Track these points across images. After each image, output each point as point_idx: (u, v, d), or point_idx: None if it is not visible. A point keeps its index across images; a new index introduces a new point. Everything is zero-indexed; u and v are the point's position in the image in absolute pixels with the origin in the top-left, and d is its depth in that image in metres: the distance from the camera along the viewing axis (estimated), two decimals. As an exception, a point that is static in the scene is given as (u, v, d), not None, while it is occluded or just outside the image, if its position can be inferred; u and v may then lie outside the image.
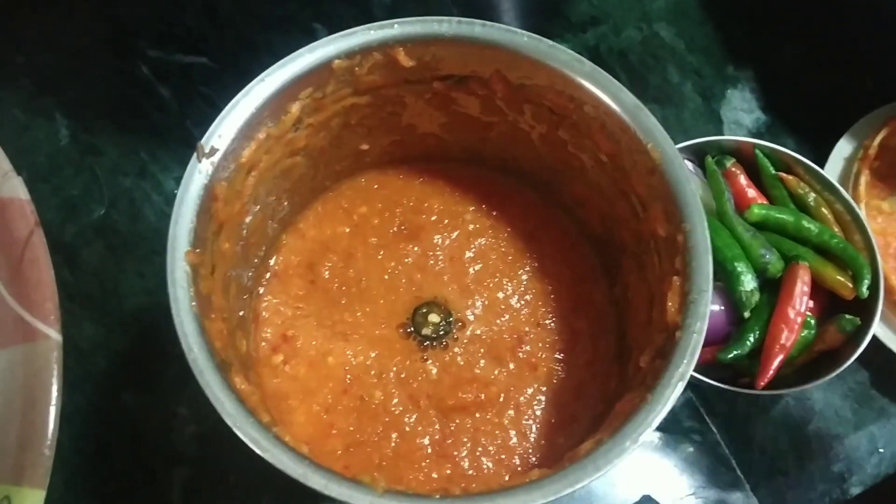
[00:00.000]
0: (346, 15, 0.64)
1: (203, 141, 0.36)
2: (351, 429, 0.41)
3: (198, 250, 0.35)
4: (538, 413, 0.42)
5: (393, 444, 0.41)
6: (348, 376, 0.42)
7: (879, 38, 0.64)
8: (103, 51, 0.63)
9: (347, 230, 0.46)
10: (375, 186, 0.48)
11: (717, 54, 0.65)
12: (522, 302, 0.45)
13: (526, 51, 0.39)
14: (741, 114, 0.63)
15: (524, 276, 0.46)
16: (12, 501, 0.41)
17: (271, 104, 0.38)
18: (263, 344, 0.43)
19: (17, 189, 0.47)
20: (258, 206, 0.41)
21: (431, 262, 0.46)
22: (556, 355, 0.44)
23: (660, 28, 0.65)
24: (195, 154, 0.36)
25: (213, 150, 0.36)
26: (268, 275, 0.44)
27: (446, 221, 0.47)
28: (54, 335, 0.44)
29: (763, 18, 0.66)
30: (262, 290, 0.44)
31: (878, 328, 0.54)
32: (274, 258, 0.45)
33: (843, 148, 0.60)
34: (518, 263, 0.46)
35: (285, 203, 0.44)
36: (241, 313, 0.41)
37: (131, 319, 0.57)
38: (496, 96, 0.41)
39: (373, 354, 0.43)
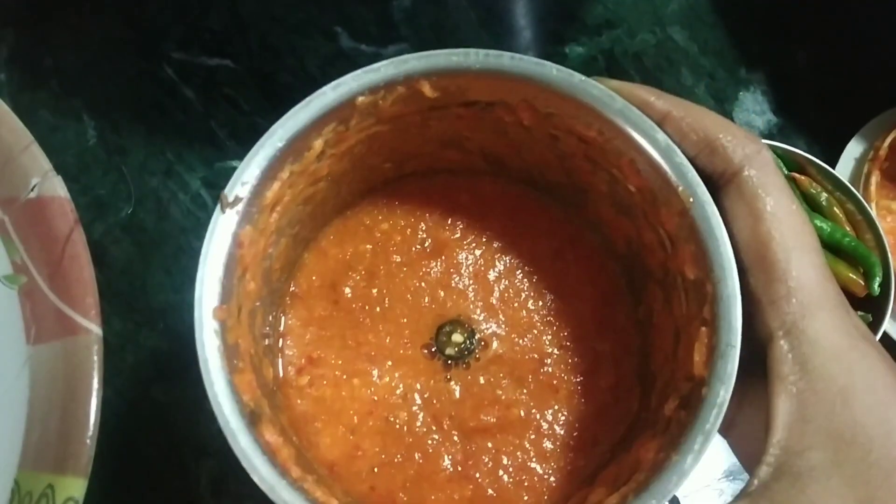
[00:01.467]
0: (366, 18, 0.65)
1: (227, 191, 0.35)
2: (376, 450, 0.41)
3: (225, 305, 0.35)
4: (559, 435, 0.42)
5: (416, 466, 0.41)
6: (374, 397, 0.42)
7: (889, 42, 0.65)
8: (129, 54, 0.64)
9: (369, 247, 0.46)
10: (397, 202, 0.47)
11: (730, 57, 0.66)
12: (546, 322, 0.44)
13: (556, 85, 0.37)
14: (753, 116, 0.65)
15: (549, 296, 0.45)
16: (55, 490, 0.42)
17: (294, 144, 0.37)
18: (289, 367, 0.43)
19: (57, 188, 0.48)
20: (282, 237, 0.41)
21: (455, 279, 0.45)
22: (577, 378, 0.43)
23: (673, 31, 0.66)
24: (218, 205, 0.35)
25: (238, 200, 0.35)
26: (290, 297, 0.44)
27: (471, 238, 0.46)
28: (95, 329, 0.45)
29: (775, 22, 0.67)
30: (285, 313, 0.44)
31: (888, 325, 0.55)
32: (296, 279, 0.45)
33: (853, 149, 0.61)
34: (543, 283, 0.45)
35: (308, 226, 0.44)
36: (266, 341, 0.41)
37: (158, 316, 0.58)
38: (522, 122, 0.41)
39: (397, 374, 0.43)
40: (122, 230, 0.60)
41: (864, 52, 0.66)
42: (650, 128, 0.36)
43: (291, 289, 0.44)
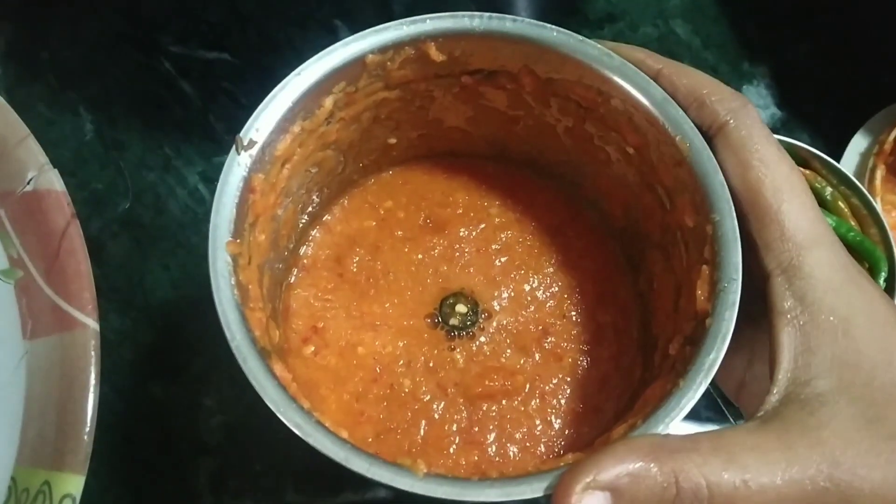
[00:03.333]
0: (365, 11, 0.65)
1: (242, 134, 0.36)
2: (381, 416, 0.42)
3: (238, 240, 0.36)
4: (563, 402, 0.43)
5: (422, 432, 0.42)
6: (378, 366, 0.43)
7: (894, 35, 0.65)
8: (126, 47, 0.64)
9: (374, 224, 0.47)
10: (401, 181, 0.48)
11: (733, 51, 0.66)
12: (548, 294, 0.46)
13: (555, 45, 0.39)
14: (757, 109, 0.64)
15: (550, 269, 0.46)
16: (52, 487, 0.41)
17: (306, 98, 0.38)
18: (294, 335, 0.44)
19: (54, 181, 0.47)
20: (290, 199, 0.42)
21: (457, 254, 0.46)
22: (581, 347, 0.44)
23: (676, 25, 0.66)
24: (234, 146, 0.36)
25: (252, 143, 0.37)
26: (297, 268, 0.45)
27: (472, 215, 0.47)
28: (92, 324, 0.45)
29: (778, 16, 0.67)
30: (292, 283, 0.45)
31: (893, 320, 0.55)
32: (303, 251, 0.46)
33: (858, 143, 0.61)
34: (544, 257, 0.47)
35: (314, 196, 0.45)
36: (272, 305, 0.42)
37: (157, 312, 0.58)
38: (524, 90, 0.42)
39: (401, 344, 0.44)
40: (120, 225, 0.59)
41: (869, 45, 0.65)
42: (646, 82, 0.38)
43: (299, 261, 0.46)
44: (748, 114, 0.36)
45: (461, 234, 0.47)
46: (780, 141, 0.57)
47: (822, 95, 0.64)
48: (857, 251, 0.55)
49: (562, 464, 0.32)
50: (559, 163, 0.46)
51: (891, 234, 0.55)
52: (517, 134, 0.46)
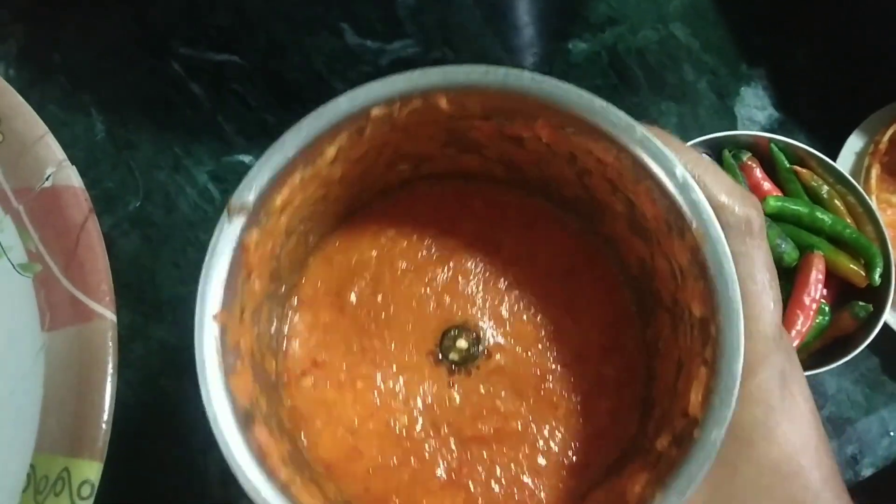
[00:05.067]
0: (371, 15, 0.66)
1: (234, 198, 0.34)
2: (374, 452, 0.41)
3: (226, 309, 0.35)
4: (554, 452, 0.42)
5: (411, 470, 0.41)
6: (377, 401, 0.42)
7: (889, 38, 0.66)
8: (137, 50, 0.65)
9: (374, 254, 0.45)
10: (406, 207, 0.46)
11: (732, 54, 0.67)
12: (552, 338, 0.44)
13: (577, 109, 0.37)
14: (755, 111, 0.65)
15: (557, 313, 0.44)
16: (71, 473, 0.42)
17: (305, 152, 0.36)
18: (294, 366, 0.43)
19: (72, 177, 0.48)
20: (292, 236, 0.40)
21: (462, 286, 0.45)
22: (578, 397, 0.43)
23: (675, 28, 0.67)
24: (225, 211, 0.34)
25: (245, 206, 0.35)
26: (295, 300, 0.44)
27: (480, 246, 0.45)
28: (109, 315, 0.46)
29: (775, 19, 0.68)
30: (291, 316, 0.44)
31: (889, 316, 0.56)
32: (302, 284, 0.44)
33: (853, 143, 0.62)
34: (553, 298, 0.44)
35: (319, 227, 0.43)
36: (272, 330, 0.41)
37: (167, 308, 0.59)
38: (540, 140, 0.40)
39: (402, 379, 0.43)
40: (131, 223, 0.60)
41: (864, 47, 0.67)
42: (669, 161, 0.36)
43: (298, 292, 0.44)
44: (750, 230, 0.36)
45: (468, 266, 0.45)
46: (776, 140, 0.59)
47: (819, 97, 0.66)
48: (852, 248, 0.56)
49: None
50: (578, 199, 0.44)
51: (886, 231, 0.56)
52: (536, 170, 0.44)
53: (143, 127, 0.63)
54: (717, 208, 0.35)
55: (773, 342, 0.35)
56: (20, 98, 0.51)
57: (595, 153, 0.38)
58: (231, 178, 0.62)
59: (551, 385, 0.42)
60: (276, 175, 0.36)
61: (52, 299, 0.48)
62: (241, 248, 0.35)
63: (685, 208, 0.35)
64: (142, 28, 0.66)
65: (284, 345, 0.43)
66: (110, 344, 0.45)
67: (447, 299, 0.44)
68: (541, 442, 0.42)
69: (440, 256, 0.45)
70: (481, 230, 0.45)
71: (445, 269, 0.44)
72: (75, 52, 0.65)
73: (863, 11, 0.67)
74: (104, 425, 0.44)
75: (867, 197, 0.58)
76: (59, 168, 0.49)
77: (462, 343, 0.43)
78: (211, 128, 0.63)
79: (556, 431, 0.42)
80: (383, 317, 0.43)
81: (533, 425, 0.42)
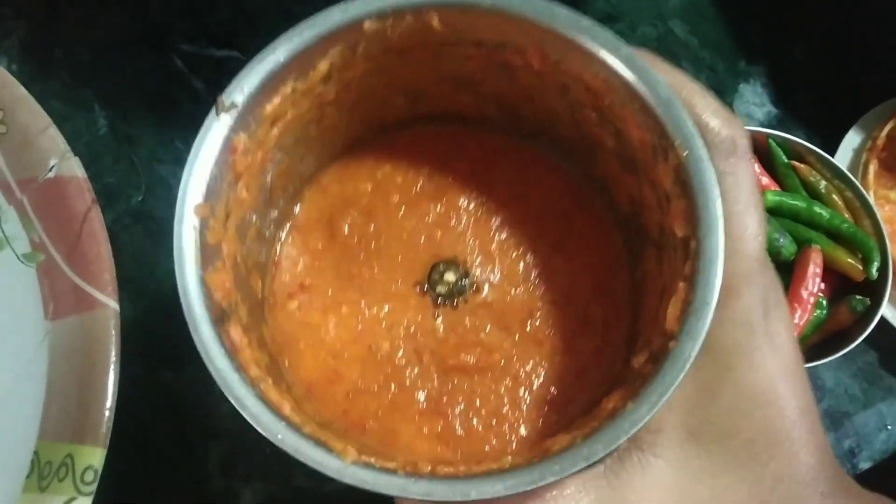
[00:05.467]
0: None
1: (224, 95, 0.35)
2: (354, 376, 0.41)
3: (208, 203, 0.34)
4: (535, 387, 0.42)
5: (391, 396, 0.41)
6: (360, 326, 0.42)
7: (886, 34, 0.67)
8: (138, 45, 0.65)
9: (370, 186, 0.45)
10: (402, 145, 0.46)
11: (730, 50, 0.67)
12: (541, 278, 0.44)
13: (564, 29, 0.37)
14: (753, 107, 0.66)
15: (547, 253, 0.44)
16: (75, 459, 0.43)
17: (298, 59, 0.36)
18: (281, 289, 0.43)
19: (75, 168, 0.49)
20: (283, 153, 0.40)
21: (454, 222, 0.45)
22: (564, 335, 0.43)
23: (674, 25, 0.68)
24: (213, 108, 0.35)
25: (233, 105, 0.35)
26: (288, 225, 0.44)
27: (474, 185, 0.45)
28: (112, 304, 0.46)
29: (773, 16, 0.68)
30: (281, 239, 0.44)
31: (886, 310, 0.57)
32: (296, 210, 0.45)
33: (851, 139, 0.63)
34: (544, 239, 0.44)
35: (313, 152, 0.43)
36: (260, 257, 0.41)
37: (168, 301, 0.58)
38: (531, 69, 0.40)
39: (386, 307, 0.43)
40: (133, 217, 0.60)
41: (862, 45, 0.67)
42: (654, 80, 0.36)
43: (291, 218, 0.44)
44: (735, 150, 0.36)
45: (461, 203, 0.45)
46: (775, 136, 0.59)
47: (817, 94, 0.66)
48: (850, 242, 0.57)
49: (494, 466, 0.33)
50: (570, 139, 0.44)
51: (883, 226, 0.57)
52: (530, 107, 0.44)
53: (145, 121, 0.63)
54: (703, 128, 0.35)
55: (756, 263, 0.34)
56: (24, 90, 0.52)
57: (585, 80, 0.38)
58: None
59: (538, 322, 0.43)
60: (266, 79, 0.36)
61: (56, 288, 0.48)
62: (227, 147, 0.35)
63: (669, 126, 0.35)
64: (143, 23, 0.66)
65: (273, 270, 0.43)
66: (113, 332, 0.46)
67: (438, 234, 0.44)
68: (523, 376, 0.42)
69: (434, 193, 0.45)
70: (476, 171, 0.45)
71: (438, 206, 0.45)
72: (77, 47, 0.65)
73: (861, 9, 0.68)
74: (107, 412, 0.44)
75: (865, 192, 0.58)
76: (62, 159, 0.49)
77: (450, 276, 0.43)
78: (212, 122, 0.63)
79: (540, 367, 0.42)
80: (374, 246, 0.44)
81: (517, 360, 0.42)
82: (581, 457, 0.31)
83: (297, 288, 0.43)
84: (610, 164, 0.42)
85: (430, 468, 0.33)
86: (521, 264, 0.44)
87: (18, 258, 0.49)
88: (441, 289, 0.43)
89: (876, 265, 0.55)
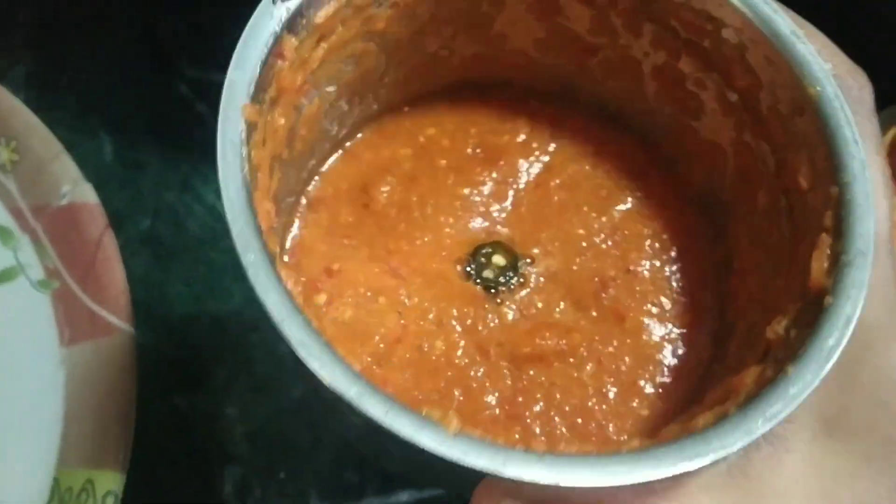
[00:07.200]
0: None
1: None
2: (408, 385, 0.35)
3: (257, 106, 0.30)
4: (622, 372, 0.36)
5: (456, 404, 0.35)
6: (402, 320, 0.36)
7: (888, 42, 0.67)
8: (143, 71, 0.66)
9: (411, 152, 0.40)
10: (446, 108, 0.41)
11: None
12: (610, 242, 0.39)
13: None
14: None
15: (617, 214, 0.39)
16: (95, 484, 0.42)
17: None
18: (304, 280, 0.37)
19: (88, 194, 0.49)
20: (317, 93, 0.36)
21: (512, 191, 0.40)
22: (648, 307, 0.37)
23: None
24: None
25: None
26: (312, 199, 0.39)
27: (534, 145, 0.40)
28: (128, 328, 0.46)
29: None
30: (301, 215, 0.39)
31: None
32: (321, 180, 0.40)
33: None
34: (612, 199, 0.40)
35: (343, 104, 0.38)
36: (278, 222, 0.35)
37: (178, 325, 0.59)
38: (615, 9, 0.35)
39: (429, 295, 0.37)
40: (141, 243, 0.61)
41: (867, 51, 0.67)
42: (771, 11, 0.32)
43: (314, 189, 0.39)
44: (860, 106, 0.32)
45: (519, 166, 0.40)
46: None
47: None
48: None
49: (625, 449, 0.26)
50: (637, 112, 0.40)
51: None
52: (592, 69, 0.40)
53: (151, 147, 0.63)
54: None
55: (886, 244, 0.30)
56: (35, 117, 0.52)
57: (679, 20, 0.34)
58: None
59: (614, 292, 0.38)
60: None
61: (71, 314, 0.48)
62: (278, 47, 0.31)
63: (792, 62, 0.32)
64: (148, 51, 0.66)
65: (296, 252, 0.37)
66: (130, 357, 0.46)
67: (493, 204, 0.39)
68: (607, 359, 0.36)
69: (487, 156, 0.40)
70: (532, 133, 0.41)
71: (494, 170, 0.40)
72: (82, 74, 0.65)
73: (861, 15, 0.68)
74: (126, 437, 0.44)
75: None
76: (74, 185, 0.50)
77: (499, 259, 0.38)
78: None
79: (625, 347, 0.37)
80: (417, 216, 0.39)
81: (598, 340, 0.37)
82: (742, 431, 0.26)
83: (323, 274, 0.37)
84: (684, 138, 0.38)
85: (545, 447, 0.26)
86: (583, 229, 0.39)
87: (33, 285, 0.49)
88: (488, 273, 0.38)
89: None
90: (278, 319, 0.26)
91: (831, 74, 0.31)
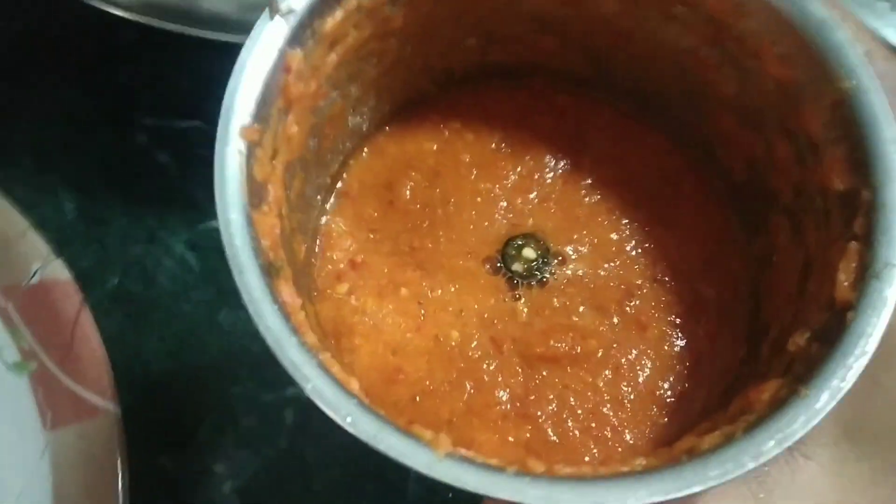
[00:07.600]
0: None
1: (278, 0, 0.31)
2: (420, 374, 0.35)
3: (258, 126, 0.30)
4: (641, 380, 0.35)
5: (466, 396, 0.35)
6: (422, 311, 0.36)
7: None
8: (100, 124, 0.64)
9: (435, 147, 0.40)
10: (472, 100, 0.40)
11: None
12: (640, 250, 0.38)
13: None
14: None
15: (647, 221, 0.38)
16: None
17: None
18: (328, 270, 0.37)
19: (59, 271, 0.48)
20: (338, 92, 0.35)
21: (537, 186, 0.39)
22: (671, 318, 0.36)
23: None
24: (266, 10, 0.30)
25: (291, 10, 0.30)
26: (338, 194, 0.39)
27: (561, 142, 0.39)
28: (112, 408, 0.46)
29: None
30: (330, 207, 0.38)
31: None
32: (346, 176, 0.39)
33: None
34: (643, 205, 0.39)
35: (371, 99, 0.38)
36: (304, 220, 0.36)
37: (157, 384, 0.58)
38: None
39: (453, 288, 0.37)
40: (110, 301, 0.59)
41: None
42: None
43: (342, 184, 0.39)
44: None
45: (546, 161, 0.39)
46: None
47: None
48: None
49: (627, 469, 0.26)
50: (673, 96, 0.38)
51: None
52: (625, 53, 0.38)
53: (114, 201, 0.62)
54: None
55: None
56: (-2, 195, 0.51)
57: (707, 4, 0.32)
58: (208, 246, 0.62)
59: (638, 302, 0.37)
60: None
61: (52, 397, 0.47)
62: (282, 63, 0.31)
63: (825, 53, 0.29)
64: (103, 102, 0.65)
65: (322, 243, 0.37)
66: (117, 438, 0.45)
67: (518, 200, 0.39)
68: (625, 367, 0.36)
69: (513, 151, 0.39)
70: (562, 127, 0.40)
71: (518, 166, 0.39)
72: (37, 131, 0.64)
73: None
74: (119, 514, 0.44)
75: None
76: (45, 262, 0.49)
77: (529, 252, 0.38)
78: (182, 196, 0.63)
79: (645, 356, 0.36)
80: (441, 213, 0.38)
81: (617, 347, 0.36)
82: (749, 456, 0.25)
83: (347, 265, 0.37)
84: (723, 119, 0.37)
85: (544, 468, 0.26)
86: (615, 234, 0.38)
87: (9, 368, 0.48)
88: (518, 267, 0.37)
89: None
90: (272, 343, 0.26)
91: (867, 62, 0.30)
